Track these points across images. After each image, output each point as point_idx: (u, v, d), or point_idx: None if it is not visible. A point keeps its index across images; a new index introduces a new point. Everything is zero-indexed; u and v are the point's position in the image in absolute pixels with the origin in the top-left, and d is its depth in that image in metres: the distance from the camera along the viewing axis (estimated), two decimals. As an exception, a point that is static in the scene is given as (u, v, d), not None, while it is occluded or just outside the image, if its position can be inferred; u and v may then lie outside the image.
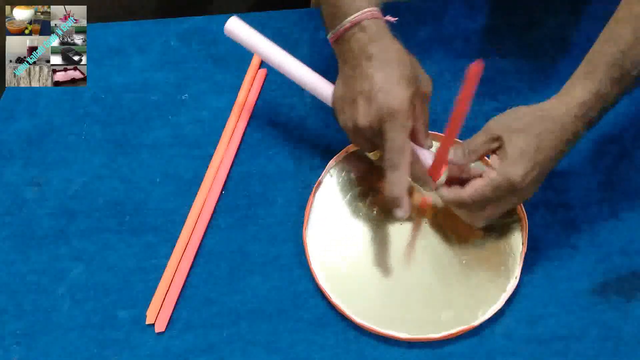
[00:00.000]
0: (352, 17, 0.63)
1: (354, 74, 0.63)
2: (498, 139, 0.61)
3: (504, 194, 0.61)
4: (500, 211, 0.63)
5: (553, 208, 0.69)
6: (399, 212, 0.61)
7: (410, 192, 0.69)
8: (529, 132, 0.60)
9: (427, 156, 0.65)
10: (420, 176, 0.64)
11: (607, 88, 0.60)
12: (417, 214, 0.69)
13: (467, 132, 0.65)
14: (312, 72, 0.70)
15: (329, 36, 0.66)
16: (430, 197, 0.69)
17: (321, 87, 0.69)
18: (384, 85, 0.61)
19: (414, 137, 0.65)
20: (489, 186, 0.60)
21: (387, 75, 0.61)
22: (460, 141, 0.66)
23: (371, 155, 0.71)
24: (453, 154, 0.63)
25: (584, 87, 0.60)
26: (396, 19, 0.66)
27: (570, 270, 0.65)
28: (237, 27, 0.72)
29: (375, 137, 0.63)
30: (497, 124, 0.62)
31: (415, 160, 0.64)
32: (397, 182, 0.61)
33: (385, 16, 0.65)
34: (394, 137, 0.61)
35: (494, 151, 0.62)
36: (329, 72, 0.69)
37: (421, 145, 0.65)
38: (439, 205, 0.69)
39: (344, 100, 0.64)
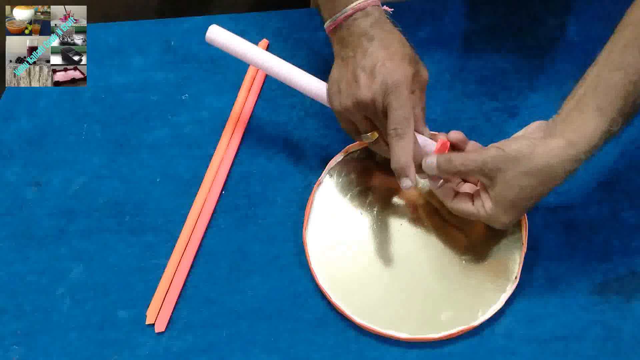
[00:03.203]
0: (355, 4, 0.64)
1: (354, 54, 0.64)
2: (490, 177, 0.60)
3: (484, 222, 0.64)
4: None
5: (553, 208, 0.69)
6: (406, 182, 0.62)
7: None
8: (525, 187, 0.58)
9: (427, 143, 0.65)
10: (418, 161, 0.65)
11: (618, 125, 0.57)
12: (416, 211, 0.69)
13: (468, 132, 0.65)
14: (298, 70, 0.69)
15: (327, 24, 0.66)
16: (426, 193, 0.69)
17: (309, 82, 0.68)
18: (387, 61, 0.62)
19: (416, 127, 0.64)
20: (472, 216, 0.63)
21: (390, 53, 0.63)
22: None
23: (369, 137, 0.67)
24: (441, 164, 0.62)
25: (596, 127, 0.56)
26: (392, 9, 0.67)
27: (570, 270, 0.65)
28: (218, 35, 0.71)
29: (374, 113, 0.63)
30: (495, 163, 0.59)
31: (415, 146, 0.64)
32: (403, 151, 0.61)
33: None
34: (400, 107, 0.61)
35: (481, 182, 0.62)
36: (328, 72, 0.69)
37: (420, 133, 0.65)
38: (439, 205, 0.69)
39: (342, 80, 0.65)
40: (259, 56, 0.71)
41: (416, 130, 0.65)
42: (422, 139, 0.65)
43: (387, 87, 0.61)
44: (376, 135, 0.66)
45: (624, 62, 0.56)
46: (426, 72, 0.66)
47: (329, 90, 0.67)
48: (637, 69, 0.56)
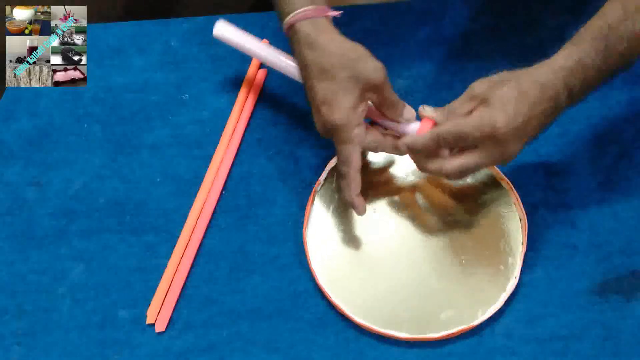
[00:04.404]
0: (287, 18, 0.64)
1: (303, 80, 0.66)
2: (479, 98, 0.60)
3: (484, 139, 0.59)
4: (478, 162, 0.60)
5: (553, 208, 0.69)
6: (355, 212, 0.66)
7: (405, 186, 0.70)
8: (510, 84, 0.59)
9: (408, 129, 0.65)
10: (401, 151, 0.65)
11: (591, 58, 0.60)
12: (413, 207, 0.69)
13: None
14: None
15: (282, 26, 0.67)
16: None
17: None
18: (325, 98, 0.62)
19: (391, 119, 0.65)
20: (469, 123, 0.59)
21: (326, 87, 0.62)
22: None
23: None
24: (434, 114, 0.63)
25: (567, 54, 0.60)
26: (340, 12, 0.66)
27: (570, 270, 0.65)
28: (226, 30, 0.73)
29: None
30: (479, 82, 0.62)
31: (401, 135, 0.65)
32: (347, 189, 0.65)
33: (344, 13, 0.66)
34: (340, 150, 0.64)
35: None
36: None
37: (396, 121, 0.66)
38: (438, 205, 0.69)
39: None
40: (265, 51, 0.72)
41: (393, 120, 0.65)
42: (402, 126, 0.65)
43: (328, 129, 0.63)
44: None
45: (605, 9, 0.61)
46: (379, 72, 0.62)
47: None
48: (615, 15, 0.60)
